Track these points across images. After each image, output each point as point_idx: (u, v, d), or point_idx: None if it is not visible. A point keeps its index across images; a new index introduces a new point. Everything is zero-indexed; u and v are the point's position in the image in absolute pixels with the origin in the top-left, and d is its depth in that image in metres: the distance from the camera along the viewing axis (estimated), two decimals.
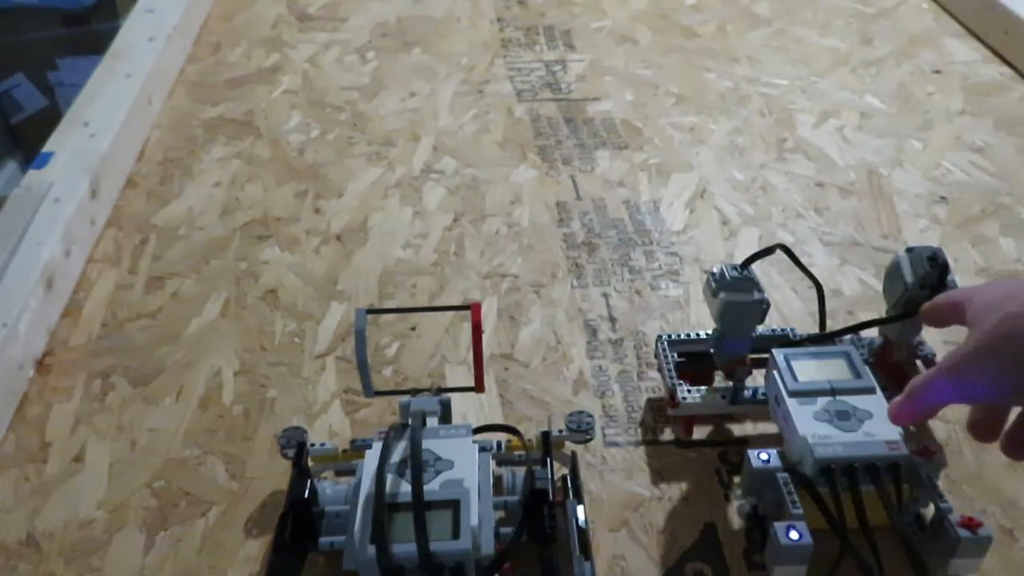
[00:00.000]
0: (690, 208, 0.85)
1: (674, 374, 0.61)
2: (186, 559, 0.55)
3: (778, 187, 0.88)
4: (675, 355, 0.63)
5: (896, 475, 0.50)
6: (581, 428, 0.60)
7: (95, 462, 0.61)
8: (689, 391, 0.60)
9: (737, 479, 0.59)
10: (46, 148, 0.84)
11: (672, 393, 0.60)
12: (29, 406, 0.66)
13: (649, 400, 0.65)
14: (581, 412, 0.61)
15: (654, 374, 0.68)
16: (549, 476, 0.53)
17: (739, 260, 0.59)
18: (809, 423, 0.52)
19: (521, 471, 0.55)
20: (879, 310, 0.64)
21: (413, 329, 0.72)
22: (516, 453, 0.57)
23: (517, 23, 1.18)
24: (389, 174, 0.90)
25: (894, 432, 0.51)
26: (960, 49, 1.11)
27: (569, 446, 0.61)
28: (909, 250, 0.58)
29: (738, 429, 0.63)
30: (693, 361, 0.63)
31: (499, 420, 0.64)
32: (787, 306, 0.74)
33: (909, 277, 0.57)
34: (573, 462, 0.58)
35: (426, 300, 0.75)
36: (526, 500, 0.52)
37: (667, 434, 0.63)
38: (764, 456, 0.52)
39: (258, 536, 0.56)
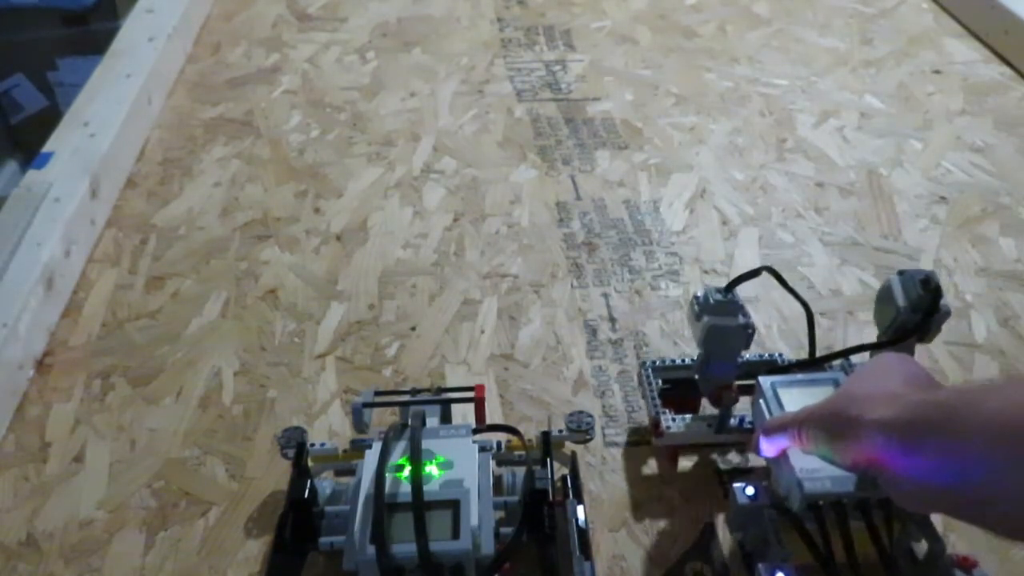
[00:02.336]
0: (690, 208, 0.85)
1: (658, 402, 0.59)
2: (186, 559, 0.55)
3: (778, 187, 0.88)
4: (659, 382, 0.60)
5: (887, 511, 0.48)
6: (581, 428, 0.59)
7: (95, 462, 0.61)
8: (674, 419, 0.58)
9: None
10: (46, 148, 0.84)
11: (656, 422, 0.58)
12: (29, 406, 0.66)
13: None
14: (581, 412, 0.60)
15: None
16: (549, 476, 0.53)
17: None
18: (796, 456, 0.49)
19: (521, 471, 0.55)
20: None
21: (413, 329, 0.72)
22: (516, 453, 0.57)
23: (517, 23, 1.18)
24: (389, 174, 0.90)
25: None
26: (960, 49, 1.11)
27: (569, 446, 0.61)
28: (901, 273, 0.55)
29: (723, 459, 0.61)
30: (678, 388, 0.61)
31: (499, 420, 0.64)
32: (787, 307, 0.74)
33: (901, 301, 0.54)
34: (573, 462, 0.58)
35: (426, 300, 0.75)
36: (526, 500, 0.52)
37: None
38: (750, 491, 0.50)
39: (258, 536, 0.56)
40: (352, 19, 1.19)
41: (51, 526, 0.57)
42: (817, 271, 0.77)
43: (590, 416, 0.60)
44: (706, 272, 0.77)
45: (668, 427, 0.58)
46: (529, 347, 0.70)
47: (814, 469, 0.48)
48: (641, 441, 0.62)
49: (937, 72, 1.07)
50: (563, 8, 1.22)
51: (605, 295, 0.75)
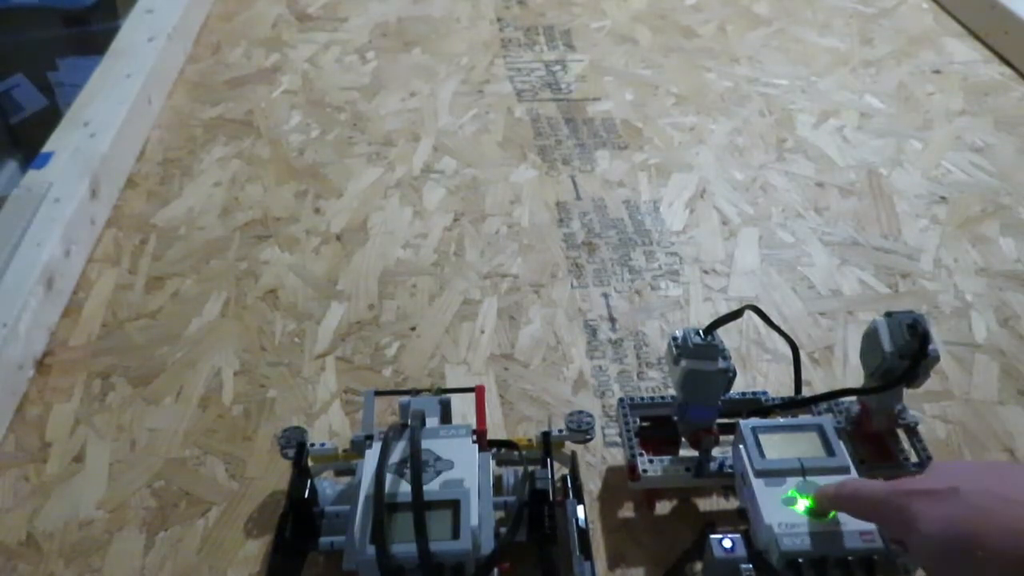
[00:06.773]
0: (690, 208, 0.85)
1: (635, 442, 0.57)
2: (186, 559, 0.55)
3: (778, 187, 0.88)
4: (637, 420, 0.58)
5: (870, 569, 0.46)
6: (581, 428, 0.59)
7: (95, 462, 0.61)
8: (651, 461, 0.55)
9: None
10: (46, 148, 0.84)
11: (632, 466, 0.55)
12: (29, 406, 0.66)
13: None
14: (581, 412, 0.60)
15: (654, 374, 0.68)
16: (549, 476, 0.53)
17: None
18: (776, 509, 0.48)
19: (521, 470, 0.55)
20: (878, 311, 0.64)
21: (413, 329, 0.72)
22: (516, 453, 0.57)
23: (517, 23, 1.18)
24: (389, 174, 0.90)
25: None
26: (960, 49, 1.11)
27: (569, 446, 0.61)
28: (888, 315, 0.54)
29: (704, 504, 0.58)
30: (657, 426, 0.59)
31: (499, 420, 0.64)
32: (787, 307, 0.74)
33: (888, 346, 0.53)
34: (573, 462, 0.58)
35: (426, 300, 0.75)
36: (521, 500, 0.51)
37: None
38: (728, 544, 0.48)
39: (258, 536, 0.56)
40: (352, 19, 1.19)
41: (51, 526, 0.57)
42: (817, 271, 0.77)
43: (590, 416, 0.60)
44: (706, 272, 0.77)
45: (645, 471, 0.55)
46: (529, 347, 0.70)
47: (793, 524, 0.47)
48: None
49: (937, 72, 1.07)
50: (563, 8, 1.22)
51: (605, 295, 0.75)
